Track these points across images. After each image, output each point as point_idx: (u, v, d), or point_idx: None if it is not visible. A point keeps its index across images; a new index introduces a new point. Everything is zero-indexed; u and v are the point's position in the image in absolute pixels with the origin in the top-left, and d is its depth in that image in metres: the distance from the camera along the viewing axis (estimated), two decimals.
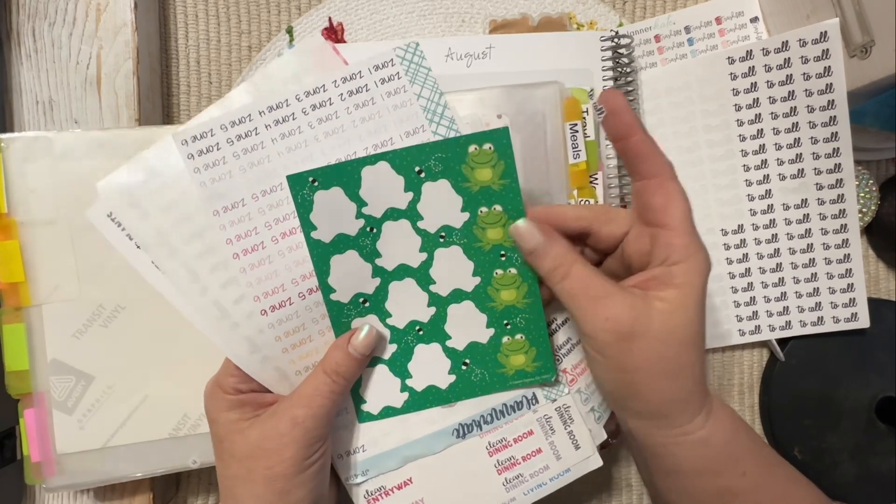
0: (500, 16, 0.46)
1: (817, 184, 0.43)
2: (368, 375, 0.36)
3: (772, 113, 0.43)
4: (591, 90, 0.43)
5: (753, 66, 0.43)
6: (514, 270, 0.35)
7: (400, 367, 0.36)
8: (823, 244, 0.44)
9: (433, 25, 0.46)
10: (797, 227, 0.44)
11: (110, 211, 0.34)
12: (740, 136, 0.44)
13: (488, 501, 0.37)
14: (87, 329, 0.37)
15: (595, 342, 0.30)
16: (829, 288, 0.44)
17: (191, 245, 0.34)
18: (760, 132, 0.44)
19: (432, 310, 0.36)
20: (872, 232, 0.47)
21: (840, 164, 0.43)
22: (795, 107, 0.43)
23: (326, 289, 0.34)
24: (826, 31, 0.41)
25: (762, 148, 0.44)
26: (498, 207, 0.34)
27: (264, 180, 0.35)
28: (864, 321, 0.44)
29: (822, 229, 0.44)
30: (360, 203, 0.33)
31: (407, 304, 0.35)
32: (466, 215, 0.34)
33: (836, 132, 0.42)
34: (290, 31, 0.46)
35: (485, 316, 0.36)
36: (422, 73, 0.36)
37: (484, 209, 0.34)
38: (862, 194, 0.45)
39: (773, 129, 0.43)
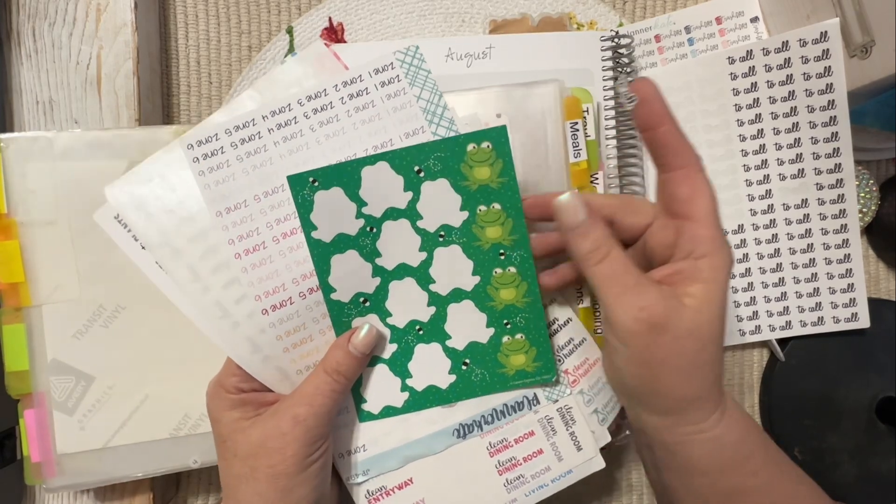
0: (500, 16, 0.46)
1: (817, 184, 0.43)
2: (369, 375, 0.36)
3: (772, 113, 0.43)
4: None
5: (753, 66, 0.43)
6: (513, 269, 0.35)
7: (400, 367, 0.36)
8: (824, 244, 0.44)
9: (433, 25, 0.46)
10: (797, 227, 0.44)
11: (117, 213, 0.35)
12: (740, 136, 0.44)
13: (489, 502, 0.37)
14: (87, 329, 0.37)
15: (622, 331, 0.30)
16: (830, 288, 0.44)
17: (194, 246, 0.35)
18: (760, 132, 0.44)
19: (432, 309, 0.36)
20: (872, 232, 0.47)
21: (840, 164, 0.43)
22: (796, 107, 0.43)
23: (327, 288, 0.34)
24: (826, 31, 0.41)
25: (762, 148, 0.44)
26: (497, 206, 0.34)
27: (266, 182, 0.35)
28: (864, 321, 0.44)
29: (822, 229, 0.44)
30: (360, 203, 0.33)
31: (407, 303, 0.36)
32: (465, 214, 0.34)
33: (837, 132, 0.42)
34: (290, 31, 0.46)
35: (484, 315, 0.36)
36: (421, 76, 0.37)
37: (483, 207, 0.34)
38: (862, 194, 0.45)
39: (774, 129, 0.43)
